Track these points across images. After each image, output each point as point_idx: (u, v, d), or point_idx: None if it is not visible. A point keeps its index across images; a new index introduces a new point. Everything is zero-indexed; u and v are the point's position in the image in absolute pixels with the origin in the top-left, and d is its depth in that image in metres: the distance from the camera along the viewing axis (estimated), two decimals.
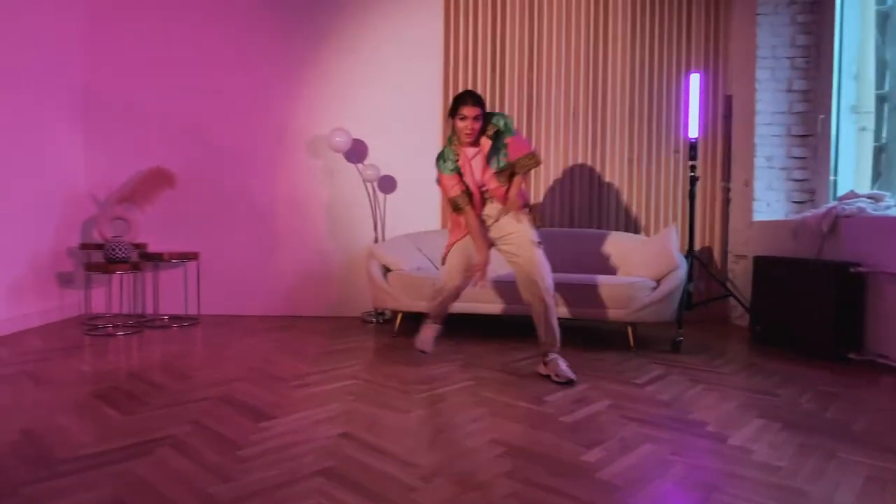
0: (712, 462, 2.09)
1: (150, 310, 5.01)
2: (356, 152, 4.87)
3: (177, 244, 4.95)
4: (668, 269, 3.89)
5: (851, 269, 3.59)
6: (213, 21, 4.99)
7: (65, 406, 2.68)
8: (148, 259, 4.68)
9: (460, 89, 4.87)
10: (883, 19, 4.33)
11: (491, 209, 3.30)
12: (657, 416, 2.58)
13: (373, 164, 4.82)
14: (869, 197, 3.91)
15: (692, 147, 4.30)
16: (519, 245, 3.15)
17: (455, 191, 3.20)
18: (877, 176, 4.36)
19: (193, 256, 4.77)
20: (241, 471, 1.99)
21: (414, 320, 4.65)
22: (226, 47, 4.99)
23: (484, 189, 3.26)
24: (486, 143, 3.17)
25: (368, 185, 4.84)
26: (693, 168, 4.28)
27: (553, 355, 3.16)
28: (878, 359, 3.48)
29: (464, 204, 3.20)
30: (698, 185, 4.79)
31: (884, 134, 4.33)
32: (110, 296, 4.82)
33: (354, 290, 4.98)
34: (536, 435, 2.33)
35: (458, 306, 4.01)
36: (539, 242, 3.14)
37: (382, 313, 4.81)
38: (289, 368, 3.35)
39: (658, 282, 3.90)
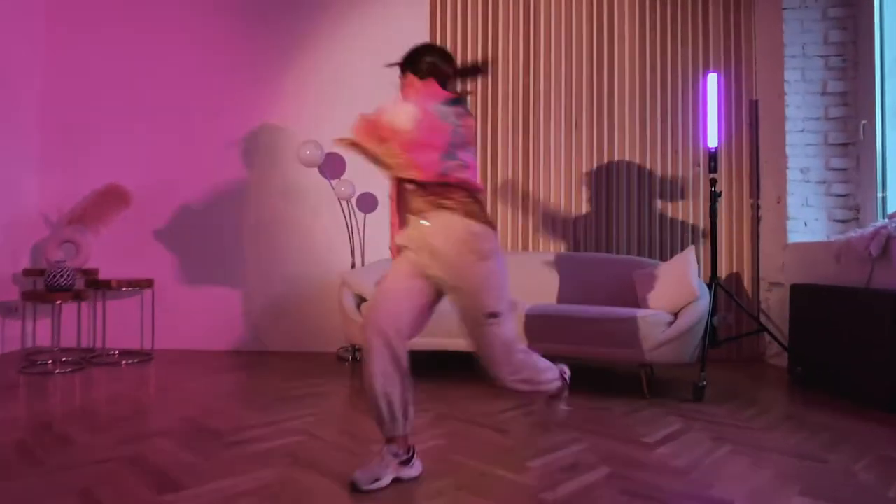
0: None
1: (99, 343, 4.76)
2: (331, 167, 4.54)
3: (133, 270, 4.73)
4: (687, 301, 3.43)
5: None
6: (174, 32, 4.91)
7: None
8: (95, 287, 4.45)
9: None
10: None
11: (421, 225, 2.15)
12: (668, 490, 2.14)
13: (348, 179, 4.48)
14: None
15: (712, 157, 3.87)
16: (464, 318, 2.13)
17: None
18: None
19: (147, 284, 4.56)
20: None
21: None
22: (188, 59, 4.90)
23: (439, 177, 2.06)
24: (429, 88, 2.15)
25: (343, 203, 4.50)
26: (714, 182, 3.82)
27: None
28: None
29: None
30: (722, 201, 4.46)
31: None
32: (56, 328, 4.60)
33: (330, 323, 4.64)
34: None
35: (436, 342, 3.59)
36: (493, 314, 2.05)
37: (361, 349, 4.36)
38: (230, 419, 3.00)
39: (675, 315, 3.45)
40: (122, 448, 2.56)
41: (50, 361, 4.21)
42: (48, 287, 4.13)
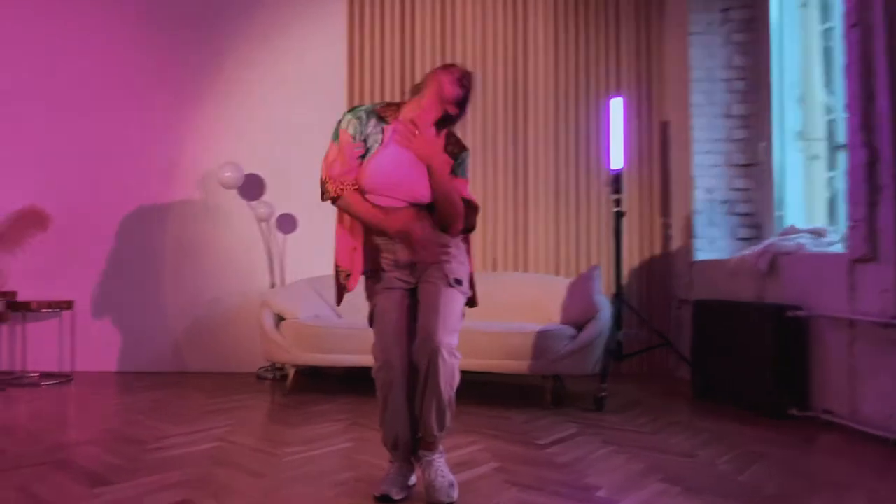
0: None
1: (19, 366, 5.05)
2: (250, 189, 4.96)
3: (53, 292, 4.98)
4: (589, 316, 3.97)
5: (789, 314, 3.69)
6: (95, 43, 5.15)
7: None
8: (14, 309, 4.78)
9: None
10: (828, 39, 4.44)
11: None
12: (546, 480, 2.64)
13: (266, 201, 4.91)
14: (810, 232, 4.07)
15: (616, 179, 4.47)
16: (427, 290, 2.59)
17: (334, 169, 2.47)
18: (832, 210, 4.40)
19: (67, 306, 4.89)
20: None
21: (311, 377, 4.84)
22: (108, 72, 5.14)
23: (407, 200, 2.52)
24: (440, 140, 2.59)
25: (263, 224, 4.93)
26: (618, 202, 4.43)
27: (435, 455, 2.47)
28: (823, 415, 3.57)
29: (336, 191, 2.48)
30: (630, 221, 4.98)
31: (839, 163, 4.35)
32: None
33: (250, 343, 4.97)
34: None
35: (351, 359, 4.07)
36: (457, 280, 2.61)
37: (281, 368, 4.80)
38: (151, 430, 3.45)
39: (580, 329, 3.96)
40: (51, 454, 2.99)
41: None
42: None
